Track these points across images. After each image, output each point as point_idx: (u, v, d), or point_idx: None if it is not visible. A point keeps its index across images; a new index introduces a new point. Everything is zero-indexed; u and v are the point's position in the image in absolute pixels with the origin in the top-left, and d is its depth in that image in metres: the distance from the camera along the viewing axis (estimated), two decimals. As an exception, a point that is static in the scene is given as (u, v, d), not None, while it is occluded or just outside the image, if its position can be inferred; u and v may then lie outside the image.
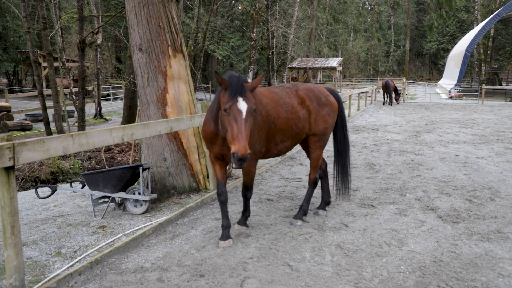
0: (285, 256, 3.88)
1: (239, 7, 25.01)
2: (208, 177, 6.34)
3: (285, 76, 27.63)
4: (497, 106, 23.91)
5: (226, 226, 4.15)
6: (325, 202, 5.28)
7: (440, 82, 45.65)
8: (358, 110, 20.36)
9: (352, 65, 69.13)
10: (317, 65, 32.56)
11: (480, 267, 3.65)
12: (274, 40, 26.04)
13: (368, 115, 18.30)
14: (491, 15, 33.43)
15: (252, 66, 23.59)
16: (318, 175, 5.04)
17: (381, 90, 25.70)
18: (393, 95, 23.87)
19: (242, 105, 3.44)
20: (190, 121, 5.38)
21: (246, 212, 4.57)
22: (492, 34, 63.51)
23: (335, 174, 5.33)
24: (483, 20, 41.34)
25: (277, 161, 8.38)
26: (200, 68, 17.23)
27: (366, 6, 60.82)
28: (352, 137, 11.32)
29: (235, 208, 5.39)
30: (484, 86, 27.26)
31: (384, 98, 24.40)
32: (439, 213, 5.15)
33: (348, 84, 43.69)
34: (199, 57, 18.01)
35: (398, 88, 24.75)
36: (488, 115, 18.20)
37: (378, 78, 55.56)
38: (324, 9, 34.81)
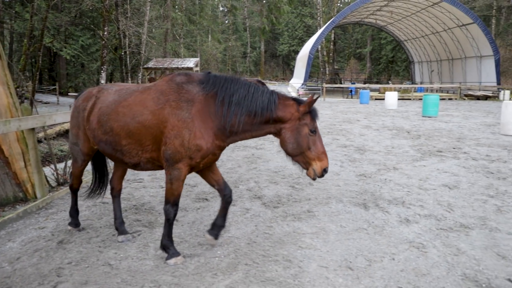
0: (109, 256, 3.89)
1: (88, 4, 23.49)
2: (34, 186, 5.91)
3: (140, 77, 26.92)
4: (335, 102, 27.01)
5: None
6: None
7: (291, 81, 49.61)
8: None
9: (211, 65, 70.51)
10: (174, 66, 32.45)
11: (286, 243, 4.17)
12: (127, 39, 25.19)
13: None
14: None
15: (105, 67, 22.46)
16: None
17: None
18: None
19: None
20: (4, 126, 4.96)
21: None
22: (333, 39, 71.28)
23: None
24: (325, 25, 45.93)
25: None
26: (38, 68, 15.75)
27: (222, 8, 62.50)
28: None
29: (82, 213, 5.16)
30: (325, 85, 30.52)
31: None
32: (264, 200, 5.69)
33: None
34: (38, 56, 16.43)
35: None
36: (326, 111, 20.43)
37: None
38: (178, 9, 34.85)
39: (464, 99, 31.48)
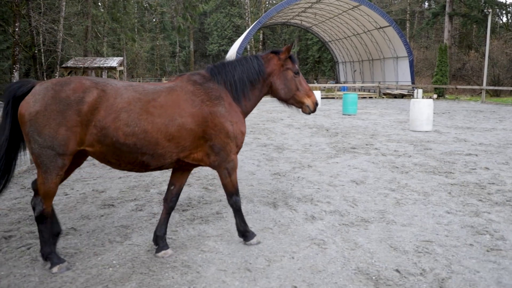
0: (-12, 275, 3.51)
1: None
2: None
3: (57, 77, 25.29)
4: (262, 101, 27.34)
5: None
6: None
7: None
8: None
9: (139, 65, 68.37)
10: (96, 65, 30.99)
11: (188, 247, 4.05)
12: (40, 36, 23.52)
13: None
14: (255, 22, 37.89)
15: (18, 66, 20.77)
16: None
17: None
18: None
19: None
20: None
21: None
22: (262, 39, 72.36)
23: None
24: (251, 26, 46.31)
25: (22, 170, 7.59)
26: None
27: (145, 5, 60.62)
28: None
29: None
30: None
31: None
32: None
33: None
34: None
35: None
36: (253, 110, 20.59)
37: (163, 79, 56.68)
38: (98, 5, 33.25)
39: (383, 97, 33.42)
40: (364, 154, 8.85)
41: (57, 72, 24.67)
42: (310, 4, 37.31)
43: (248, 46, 67.27)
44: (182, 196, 5.86)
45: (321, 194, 5.87)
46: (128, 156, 3.51)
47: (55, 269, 3.51)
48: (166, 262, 3.73)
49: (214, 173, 7.16)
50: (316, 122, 15.07)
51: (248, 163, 8.11)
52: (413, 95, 32.66)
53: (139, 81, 49.91)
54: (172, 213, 5.10)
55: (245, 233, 4.08)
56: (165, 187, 6.32)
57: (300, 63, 69.92)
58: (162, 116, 3.52)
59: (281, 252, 3.93)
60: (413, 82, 34.22)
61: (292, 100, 4.15)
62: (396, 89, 35.13)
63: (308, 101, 4.13)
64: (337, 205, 5.38)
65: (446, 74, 33.15)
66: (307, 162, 8.13)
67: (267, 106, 23.55)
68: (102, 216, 5.07)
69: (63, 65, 30.49)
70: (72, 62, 30.73)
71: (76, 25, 29.36)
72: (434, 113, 18.58)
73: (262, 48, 74.50)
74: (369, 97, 33.08)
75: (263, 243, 4.13)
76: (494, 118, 16.50)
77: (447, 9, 39.85)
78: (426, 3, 60.64)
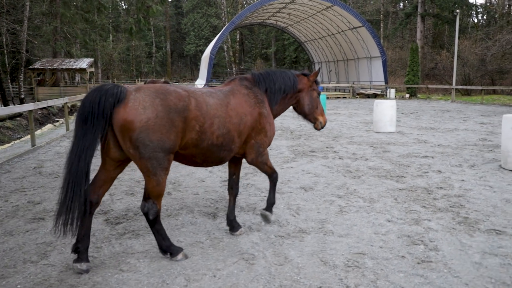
0: None
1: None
2: None
3: (21, 79, 24.55)
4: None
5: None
6: None
7: (196, 82, 49.01)
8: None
9: (115, 66, 67.33)
10: (65, 66, 30.28)
11: (107, 267, 3.79)
12: (3, 37, 22.75)
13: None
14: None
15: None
16: None
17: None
18: None
19: None
20: None
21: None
22: (240, 39, 72.12)
23: None
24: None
25: None
26: None
27: (119, 6, 59.84)
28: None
29: None
30: (225, 86, 30.53)
31: None
32: (109, 215, 5.25)
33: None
34: None
35: None
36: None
37: (137, 80, 55.93)
38: (66, 5, 32.45)
39: (357, 97, 33.59)
40: (322, 157, 8.72)
41: (21, 75, 23.93)
42: (285, 4, 37.26)
43: (225, 47, 67.03)
44: (121, 207, 5.60)
45: (265, 203, 5.68)
46: (213, 155, 4.03)
47: (179, 257, 3.87)
48: (76, 284, 3.47)
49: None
50: (283, 124, 14.93)
51: (201, 169, 7.87)
52: (386, 95, 32.97)
53: (113, 82, 49.03)
54: (103, 227, 4.85)
55: (271, 206, 4.68)
56: (106, 197, 6.03)
57: (277, 63, 70.01)
58: (236, 116, 4.11)
59: (204, 269, 3.71)
60: (386, 82, 34.52)
61: (311, 116, 4.93)
62: (370, 89, 35.38)
63: (321, 119, 4.95)
64: (279, 215, 5.19)
65: (417, 74, 33.54)
66: (261, 167, 7.93)
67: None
68: (28, 231, 4.76)
69: (30, 67, 29.66)
70: (39, 64, 29.95)
71: (43, 25, 28.57)
72: (402, 113, 18.72)
73: (240, 49, 74.30)
74: (343, 97, 33.22)
75: (187, 260, 3.90)
76: (459, 117, 16.67)
77: (419, 10, 40.40)
78: (401, 4, 61.45)
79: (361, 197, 5.87)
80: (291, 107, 5.08)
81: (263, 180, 6.91)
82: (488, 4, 52.54)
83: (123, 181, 6.99)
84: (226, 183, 6.80)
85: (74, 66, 30.09)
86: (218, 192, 6.25)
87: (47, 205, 5.76)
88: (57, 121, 19.82)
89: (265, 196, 5.97)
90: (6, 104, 22.20)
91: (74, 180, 3.40)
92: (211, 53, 33.38)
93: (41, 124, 21.23)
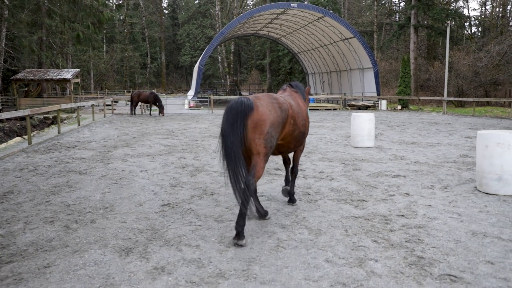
0: None
1: None
2: None
3: (-2, 90, 23.84)
4: (221, 114, 26.40)
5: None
6: None
7: (189, 93, 48.48)
8: (79, 125, 19.09)
9: (108, 76, 66.89)
10: (49, 77, 29.67)
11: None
12: (-19, 47, 22.15)
13: (87, 130, 17.17)
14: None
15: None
16: None
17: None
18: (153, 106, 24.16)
19: None
20: None
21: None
22: (234, 50, 71.73)
23: None
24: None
25: None
26: None
27: (115, 18, 59.52)
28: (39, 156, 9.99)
29: None
30: (212, 97, 29.89)
31: (131, 109, 25.02)
32: (8, 251, 4.47)
33: (90, 97, 41.71)
34: None
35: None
36: (203, 124, 19.64)
37: (125, 91, 55.33)
38: (49, 15, 31.92)
39: (347, 109, 32.90)
40: (283, 178, 7.95)
41: (-1, 85, 23.27)
42: (276, 15, 36.84)
43: (219, 58, 66.65)
44: (28, 238, 4.82)
45: (197, 234, 4.91)
46: (295, 143, 5.36)
47: (242, 242, 4.51)
48: None
49: (90, 203, 6.13)
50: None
51: (147, 190, 7.11)
52: (377, 107, 32.32)
53: (106, 92, 48.43)
54: None
55: (293, 196, 6.07)
56: (19, 226, 5.25)
57: (272, 74, 69.54)
58: (302, 114, 5.45)
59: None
60: (378, 94, 33.90)
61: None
62: (362, 100, 34.73)
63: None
64: (205, 251, 4.42)
65: (409, 85, 32.93)
66: (213, 188, 7.18)
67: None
68: None
69: (13, 77, 29.06)
70: (22, 74, 29.33)
71: (26, 35, 28.00)
72: (388, 126, 18.02)
73: (235, 60, 73.84)
74: (333, 109, 32.55)
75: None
76: (445, 131, 15.94)
77: (412, 21, 39.99)
78: (397, 16, 61.19)
79: (308, 227, 5.09)
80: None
81: (208, 204, 6.14)
82: (482, 16, 52.27)
83: (55, 205, 6.20)
84: (165, 208, 6.03)
85: (57, 77, 29.46)
86: (150, 221, 5.47)
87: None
88: (32, 132, 19.05)
89: (200, 226, 5.20)
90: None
91: (234, 163, 4.48)
92: (199, 64, 32.85)
93: (19, 136, 20.52)
